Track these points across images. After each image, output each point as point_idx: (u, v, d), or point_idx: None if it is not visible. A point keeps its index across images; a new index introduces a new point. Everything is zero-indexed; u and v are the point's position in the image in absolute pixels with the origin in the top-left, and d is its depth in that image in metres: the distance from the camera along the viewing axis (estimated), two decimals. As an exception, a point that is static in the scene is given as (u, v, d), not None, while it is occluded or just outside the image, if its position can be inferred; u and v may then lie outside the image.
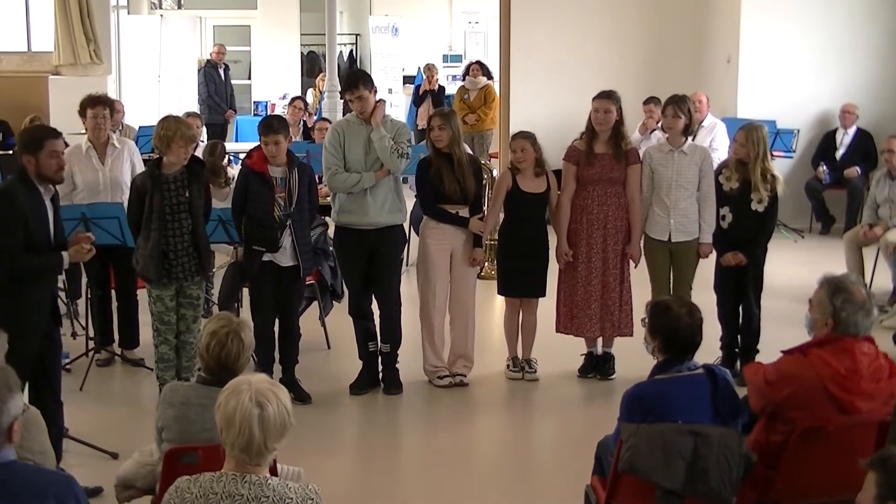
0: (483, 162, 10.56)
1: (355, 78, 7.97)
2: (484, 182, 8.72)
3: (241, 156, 12.16)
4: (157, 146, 7.36)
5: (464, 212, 8.04)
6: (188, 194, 7.31)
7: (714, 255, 8.24)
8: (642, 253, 8.21)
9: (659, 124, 11.76)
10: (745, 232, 8.09)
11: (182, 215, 7.32)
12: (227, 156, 10.34)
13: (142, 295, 8.10)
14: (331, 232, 8.36)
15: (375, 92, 7.87)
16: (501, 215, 8.36)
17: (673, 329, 4.99)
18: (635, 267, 8.27)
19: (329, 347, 9.06)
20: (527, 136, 8.14)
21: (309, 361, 8.39)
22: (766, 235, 8.18)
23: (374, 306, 8.07)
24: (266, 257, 7.63)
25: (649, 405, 4.89)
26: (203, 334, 4.85)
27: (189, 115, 10.74)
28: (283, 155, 7.58)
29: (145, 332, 8.09)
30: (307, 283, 8.37)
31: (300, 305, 8.31)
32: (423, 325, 8.14)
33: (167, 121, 7.40)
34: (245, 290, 8.37)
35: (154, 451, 5.00)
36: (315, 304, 9.00)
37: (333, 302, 9.10)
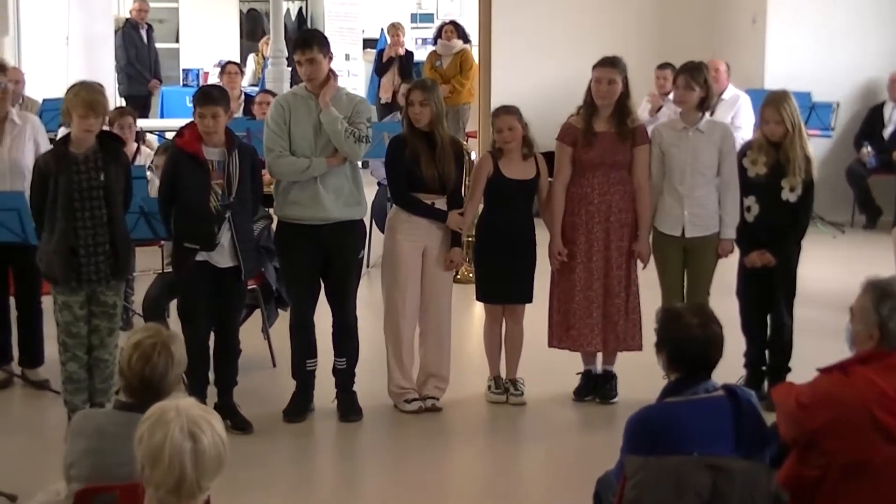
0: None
1: (310, 36, 7.99)
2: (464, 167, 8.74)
3: (169, 134, 12.13)
4: (63, 119, 7.40)
5: (440, 203, 8.05)
6: (103, 177, 7.29)
7: (737, 254, 8.28)
8: (651, 251, 8.24)
9: (670, 97, 11.82)
10: (775, 226, 8.11)
11: (95, 203, 7.29)
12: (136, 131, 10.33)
13: (47, 302, 8.06)
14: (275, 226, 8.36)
15: (331, 60, 7.85)
16: (481, 206, 8.37)
17: (679, 341, 5.01)
18: (644, 268, 8.29)
19: (274, 365, 9.05)
20: (513, 112, 8.16)
21: (249, 382, 8.37)
22: (800, 230, 8.21)
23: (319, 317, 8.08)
24: (200, 257, 7.60)
25: (658, 433, 4.90)
26: (125, 347, 4.83)
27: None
28: (221, 133, 7.55)
29: (51, 347, 8.05)
30: (248, 287, 8.36)
31: (241, 315, 8.29)
32: (389, 339, 8.15)
33: (71, 88, 7.42)
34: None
35: (61, 491, 4.97)
36: (257, 312, 8.99)
37: (279, 310, 9.09)
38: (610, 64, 8.11)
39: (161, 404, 3.74)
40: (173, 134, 8.46)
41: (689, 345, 5.00)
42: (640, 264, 8.27)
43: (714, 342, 5.04)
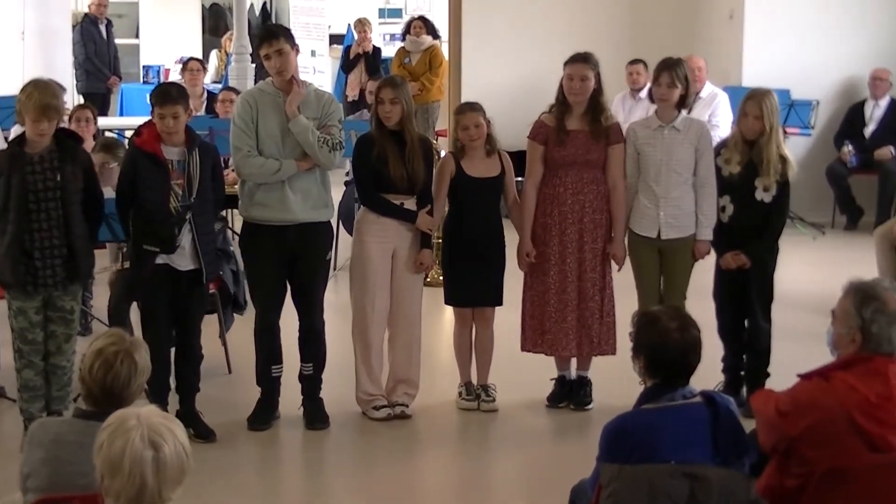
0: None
1: (274, 28, 8.03)
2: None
3: (128, 133, 12.08)
4: (17, 119, 7.38)
5: (409, 203, 8.04)
6: (59, 178, 7.25)
7: (714, 255, 8.28)
8: (627, 253, 8.24)
9: (641, 94, 11.87)
10: (749, 227, 8.11)
11: (51, 204, 7.25)
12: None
13: (1, 307, 8.02)
14: (236, 227, 8.32)
15: (297, 53, 7.84)
16: (446, 208, 8.36)
17: (658, 346, 5.00)
18: (619, 270, 8.29)
19: (230, 372, 9.02)
20: (477, 109, 8.19)
21: (208, 389, 8.31)
22: (774, 231, 8.19)
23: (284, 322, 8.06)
24: (160, 259, 7.57)
25: (635, 441, 4.90)
26: (87, 354, 4.81)
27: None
28: (181, 132, 7.52)
29: (6, 353, 8.00)
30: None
31: (201, 318, 8.26)
32: (357, 344, 8.13)
33: (24, 88, 7.37)
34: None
35: (17, 502, 4.94)
36: (210, 317, 8.92)
37: (235, 314, 9.05)
38: (582, 60, 8.11)
39: (121, 412, 3.72)
40: (132, 132, 8.42)
41: (667, 350, 4.99)
42: (614, 266, 8.27)
43: (693, 347, 5.03)
